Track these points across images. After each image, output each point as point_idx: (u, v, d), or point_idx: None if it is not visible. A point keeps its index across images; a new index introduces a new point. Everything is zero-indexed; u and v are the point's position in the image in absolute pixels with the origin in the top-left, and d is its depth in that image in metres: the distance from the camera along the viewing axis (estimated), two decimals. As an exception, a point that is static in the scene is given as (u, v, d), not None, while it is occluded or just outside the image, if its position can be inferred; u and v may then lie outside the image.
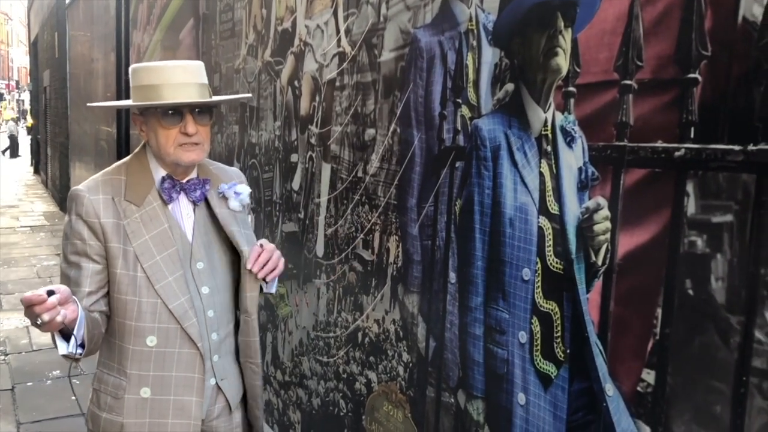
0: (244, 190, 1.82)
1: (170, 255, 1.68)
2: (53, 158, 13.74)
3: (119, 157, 5.43)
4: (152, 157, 1.74)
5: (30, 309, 1.37)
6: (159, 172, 1.73)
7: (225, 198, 1.80)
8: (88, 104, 1.79)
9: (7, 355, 4.70)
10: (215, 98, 1.77)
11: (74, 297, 1.51)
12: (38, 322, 1.38)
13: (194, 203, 1.76)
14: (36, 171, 18.09)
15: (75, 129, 10.46)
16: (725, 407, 1.29)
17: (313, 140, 2.88)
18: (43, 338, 5.00)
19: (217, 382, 1.80)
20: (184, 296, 1.69)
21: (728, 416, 1.28)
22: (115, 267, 1.65)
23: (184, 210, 1.75)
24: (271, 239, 3.29)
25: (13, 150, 22.67)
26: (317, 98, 2.83)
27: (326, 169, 2.78)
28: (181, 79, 1.66)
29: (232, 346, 1.85)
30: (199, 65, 1.74)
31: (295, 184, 3.07)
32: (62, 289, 1.45)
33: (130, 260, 1.65)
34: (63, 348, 1.50)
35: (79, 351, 1.53)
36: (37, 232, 9.70)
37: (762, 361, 1.22)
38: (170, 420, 1.71)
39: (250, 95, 1.79)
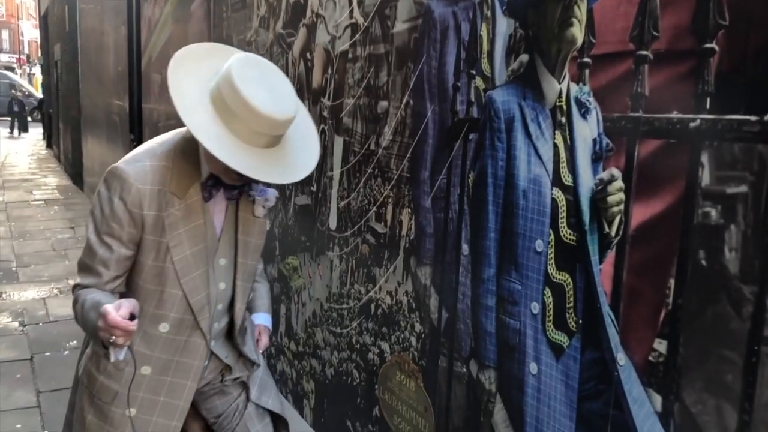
0: (272, 197, 1.78)
1: (200, 250, 1.68)
2: (65, 132, 13.79)
3: (132, 132, 5.44)
4: (203, 153, 1.66)
5: (111, 329, 1.44)
6: (206, 169, 1.67)
7: (253, 202, 1.77)
8: (174, 100, 1.51)
9: (25, 326, 4.78)
10: (290, 179, 1.62)
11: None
12: (111, 340, 1.46)
13: (228, 200, 1.74)
14: (48, 145, 18.18)
15: (87, 103, 10.48)
16: (737, 377, 1.30)
17: (325, 113, 2.88)
18: (60, 310, 5.08)
19: (215, 357, 1.85)
20: (205, 291, 1.71)
21: (739, 385, 1.30)
22: (146, 258, 1.65)
23: (218, 206, 1.73)
24: (284, 212, 3.31)
25: (22, 124, 22.70)
26: (329, 70, 2.82)
27: (339, 142, 2.79)
28: (264, 131, 1.51)
29: (226, 330, 1.88)
30: (293, 111, 1.56)
31: (308, 156, 3.07)
32: (136, 309, 1.51)
33: (162, 252, 1.64)
34: (114, 357, 1.54)
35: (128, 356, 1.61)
36: (51, 206, 9.78)
37: (774, 331, 1.23)
38: (162, 398, 1.74)
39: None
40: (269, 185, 1.78)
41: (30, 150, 17.90)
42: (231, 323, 1.86)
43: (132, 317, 1.47)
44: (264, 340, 1.98)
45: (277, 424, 2.00)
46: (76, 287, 1.68)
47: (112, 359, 1.54)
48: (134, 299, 1.54)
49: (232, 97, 1.48)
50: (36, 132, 22.43)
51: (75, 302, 1.66)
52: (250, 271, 1.83)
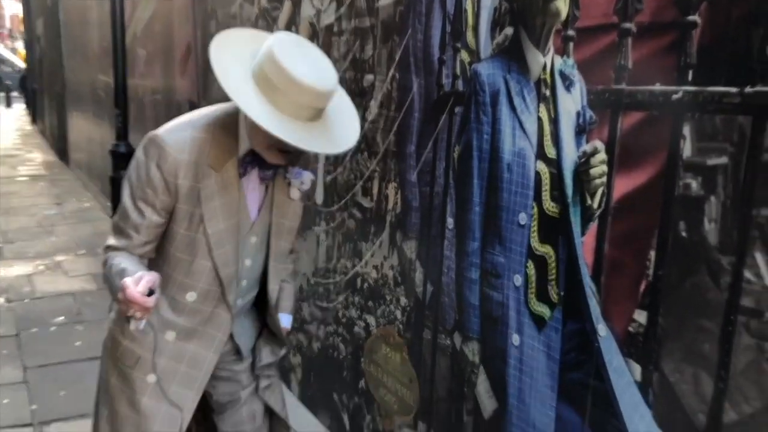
0: (308, 179, 1.80)
1: (233, 225, 1.70)
2: (50, 108, 13.63)
3: (117, 107, 5.38)
4: (243, 126, 1.67)
5: (129, 303, 1.47)
6: (245, 144, 1.67)
7: (289, 184, 1.79)
8: (221, 82, 1.50)
9: (11, 302, 4.76)
10: (334, 150, 1.63)
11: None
12: (129, 314, 1.49)
13: (262, 179, 1.75)
14: (33, 121, 17.97)
15: (71, 78, 10.34)
16: (713, 346, 1.32)
17: (311, 87, 2.86)
18: (46, 286, 5.06)
19: (231, 336, 1.87)
20: (235, 266, 1.73)
21: (716, 354, 1.32)
22: (179, 227, 1.67)
23: (251, 184, 1.74)
24: (271, 187, 3.30)
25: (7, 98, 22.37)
26: (315, 44, 2.80)
27: (325, 116, 2.77)
28: (307, 103, 1.53)
29: (248, 307, 1.91)
30: (334, 84, 1.57)
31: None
32: (157, 283, 1.52)
33: (195, 222, 1.66)
34: (134, 326, 1.58)
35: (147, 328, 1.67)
36: (36, 182, 9.70)
37: (750, 300, 1.25)
38: (183, 367, 1.77)
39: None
40: (305, 168, 1.81)
41: (14, 125, 17.69)
42: (255, 303, 1.90)
43: (151, 292, 1.49)
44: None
45: (278, 426, 2.02)
46: (108, 248, 1.70)
47: (132, 328, 1.59)
48: (156, 273, 1.55)
49: (276, 72, 1.50)
50: (19, 107, 22.15)
51: (104, 263, 1.68)
52: (283, 253, 1.86)
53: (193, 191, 1.64)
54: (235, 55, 1.58)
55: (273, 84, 1.51)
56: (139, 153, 1.65)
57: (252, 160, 1.69)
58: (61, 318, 4.38)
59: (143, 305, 1.47)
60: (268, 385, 1.97)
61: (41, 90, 15.56)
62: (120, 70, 5.12)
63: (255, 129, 1.57)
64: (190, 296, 1.72)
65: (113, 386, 1.79)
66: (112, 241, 1.71)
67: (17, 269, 5.49)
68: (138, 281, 1.48)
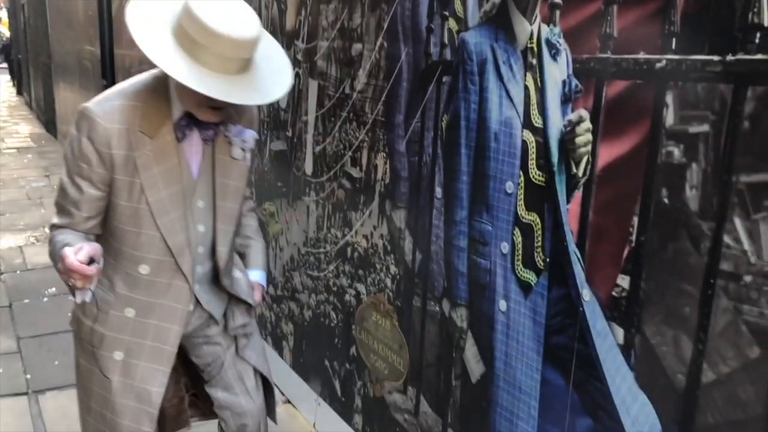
0: (250, 138, 1.77)
1: (176, 192, 1.68)
2: (36, 79, 13.45)
3: (104, 77, 5.34)
4: (173, 90, 1.65)
5: (68, 272, 1.46)
6: (178, 109, 1.66)
7: (230, 143, 1.75)
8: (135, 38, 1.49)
9: (2, 274, 4.77)
10: (264, 99, 1.63)
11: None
12: (70, 284, 1.50)
13: (205, 141, 1.72)
14: (19, 92, 17.74)
15: (57, 49, 10.20)
16: (693, 309, 1.36)
17: (299, 56, 2.86)
18: (37, 258, 5.06)
19: (200, 303, 1.85)
20: (184, 233, 1.71)
21: (696, 317, 1.36)
22: (118, 198, 1.65)
23: (194, 147, 1.72)
24: (260, 158, 3.31)
25: None
26: (303, 12, 2.78)
27: (313, 86, 2.77)
28: (231, 55, 1.50)
29: (211, 274, 1.87)
30: (256, 32, 1.54)
31: (282, 101, 3.06)
32: (98, 253, 1.51)
33: (135, 192, 1.64)
34: (80, 298, 1.57)
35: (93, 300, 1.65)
36: (24, 154, 9.63)
37: (729, 264, 1.29)
38: (149, 342, 1.76)
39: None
40: (247, 127, 1.78)
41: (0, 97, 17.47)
42: (216, 267, 1.85)
43: (91, 261, 1.48)
44: (257, 296, 2.00)
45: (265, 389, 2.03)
46: (53, 227, 1.70)
47: (78, 301, 1.57)
48: (97, 244, 1.55)
49: (194, 27, 1.48)
50: (3, 78, 21.83)
51: (49, 241, 1.68)
52: (231, 215, 1.82)
53: (129, 161, 1.61)
54: (154, 16, 1.55)
55: (194, 40, 1.49)
56: (72, 129, 1.63)
57: (189, 122, 1.66)
58: (53, 289, 4.40)
59: (83, 273, 1.45)
60: (247, 343, 1.97)
61: (26, 60, 15.34)
62: (106, 40, 5.09)
63: (182, 89, 1.54)
64: (143, 269, 1.70)
65: (83, 366, 1.80)
66: (55, 219, 1.69)
67: (8, 241, 5.48)
68: (78, 251, 1.47)
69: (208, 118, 1.64)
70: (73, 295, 1.58)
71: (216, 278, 1.86)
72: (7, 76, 20.98)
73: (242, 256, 2.00)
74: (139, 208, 1.65)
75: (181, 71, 1.47)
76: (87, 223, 1.67)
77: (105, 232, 1.72)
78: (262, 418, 1.98)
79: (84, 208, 1.65)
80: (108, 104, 1.62)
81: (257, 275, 2.00)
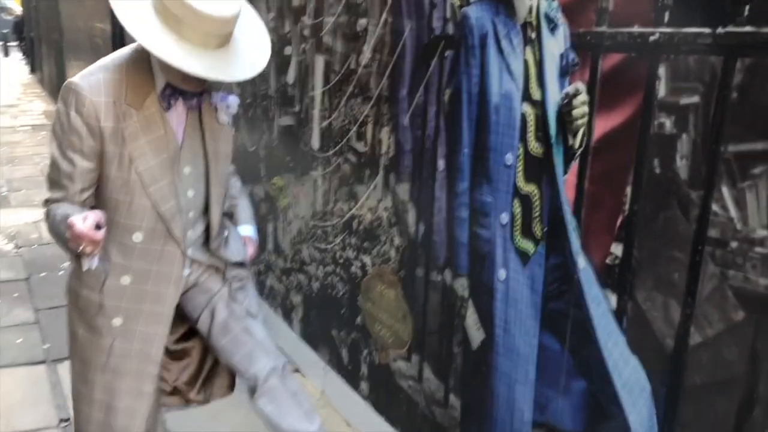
0: (234, 102, 1.83)
1: (164, 160, 1.73)
2: (48, 57, 13.52)
3: (115, 54, 5.38)
4: (156, 64, 1.70)
5: (78, 239, 1.51)
6: (161, 80, 1.71)
7: (216, 109, 1.81)
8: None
9: (19, 248, 4.87)
10: (242, 76, 1.67)
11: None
12: (79, 250, 1.54)
13: (189, 109, 1.78)
14: (32, 70, 17.83)
15: (68, 26, 10.24)
16: (682, 275, 1.41)
17: (306, 32, 2.89)
18: (52, 233, 5.15)
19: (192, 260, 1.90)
20: (174, 200, 1.76)
21: (684, 283, 1.41)
22: (109, 170, 1.70)
23: (179, 116, 1.77)
24: (268, 134, 3.36)
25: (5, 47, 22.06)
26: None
27: (319, 62, 2.81)
28: (211, 31, 1.57)
29: (204, 239, 1.92)
30: (236, 9, 1.61)
31: (290, 77, 3.10)
32: (102, 219, 1.56)
33: (125, 162, 1.69)
34: (86, 265, 1.62)
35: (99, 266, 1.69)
36: (38, 131, 9.72)
37: (716, 231, 1.33)
38: (147, 306, 1.82)
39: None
40: (230, 92, 1.84)
41: (13, 75, 17.57)
42: (208, 231, 1.90)
43: (98, 227, 1.54)
44: (250, 250, 2.06)
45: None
46: (47, 202, 1.75)
47: (85, 268, 1.62)
48: (100, 211, 1.60)
49: (176, 4, 1.55)
50: (16, 56, 21.92)
51: (46, 216, 1.73)
52: (223, 178, 1.89)
53: (117, 132, 1.66)
54: None
55: (175, 16, 1.55)
56: (59, 104, 1.68)
57: (173, 92, 1.71)
58: (68, 263, 4.49)
59: (92, 238, 1.50)
60: (240, 287, 2.00)
61: (38, 38, 15.40)
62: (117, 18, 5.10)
63: (164, 63, 1.59)
64: (137, 237, 1.75)
65: (81, 337, 1.84)
66: (48, 194, 1.74)
67: (24, 216, 5.58)
68: (84, 218, 1.52)
69: (192, 87, 1.71)
70: (78, 263, 1.63)
71: (208, 241, 1.91)
72: (20, 54, 21.04)
73: (230, 217, 2.06)
74: (130, 177, 1.70)
75: (160, 48, 1.54)
76: (81, 195, 1.71)
77: (98, 204, 1.76)
78: (269, 345, 1.98)
79: (77, 180, 1.69)
80: (93, 78, 1.67)
81: (248, 230, 2.06)
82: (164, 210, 1.74)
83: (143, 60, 1.71)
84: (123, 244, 1.76)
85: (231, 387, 2.11)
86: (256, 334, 1.95)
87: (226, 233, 1.96)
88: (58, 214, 1.66)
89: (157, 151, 1.71)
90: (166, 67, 1.64)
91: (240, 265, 2.01)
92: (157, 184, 1.72)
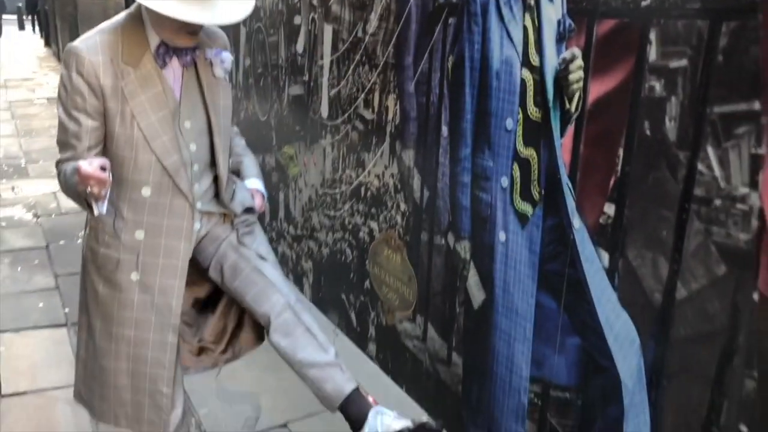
0: (227, 58, 1.92)
1: (164, 115, 1.82)
2: (63, 30, 13.60)
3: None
4: (148, 23, 1.79)
5: (87, 180, 1.59)
6: (154, 39, 1.80)
7: (211, 64, 1.90)
8: None
9: (38, 217, 5.01)
10: (231, 19, 1.75)
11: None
12: (88, 191, 1.62)
13: (184, 66, 1.86)
14: (47, 43, 17.93)
15: (82, -1, 10.30)
16: (670, 232, 1.47)
17: (314, 1, 2.94)
18: (70, 203, 5.25)
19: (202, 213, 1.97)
20: (177, 154, 1.84)
21: (672, 240, 1.47)
22: (112, 126, 1.79)
23: (175, 73, 1.85)
24: (279, 103, 3.43)
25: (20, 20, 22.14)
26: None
27: (328, 30, 2.86)
28: None
29: (212, 193, 2.00)
30: None
31: (299, 46, 3.15)
32: (107, 164, 1.65)
33: (127, 119, 1.78)
34: (97, 211, 1.70)
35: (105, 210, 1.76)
36: (53, 104, 9.81)
37: (701, 190, 1.39)
38: (161, 260, 1.91)
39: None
40: (224, 49, 1.93)
41: (28, 48, 17.69)
42: (215, 185, 1.97)
43: (103, 169, 1.62)
44: (258, 202, 2.12)
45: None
46: (59, 163, 1.84)
47: (96, 213, 1.70)
48: (105, 158, 1.69)
49: None
50: (30, 29, 22.01)
51: (59, 175, 1.83)
52: (225, 130, 1.97)
53: (117, 90, 1.75)
54: None
55: None
56: (62, 68, 1.78)
57: (167, 50, 1.80)
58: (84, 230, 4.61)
59: (98, 177, 1.58)
60: (248, 231, 2.06)
61: (53, 11, 15.46)
62: (130, -11, 5.16)
63: (157, 20, 1.70)
64: (145, 191, 1.84)
65: (102, 294, 1.92)
66: (60, 156, 1.84)
67: (42, 187, 5.72)
68: (90, 163, 1.60)
69: (184, 43, 1.79)
70: (91, 211, 1.71)
71: (217, 195, 1.99)
72: (34, 27, 21.12)
73: (237, 173, 2.13)
74: (133, 133, 1.79)
75: (160, 3, 1.64)
76: (89, 153, 1.79)
77: None
78: (281, 282, 2.01)
79: (84, 138, 1.78)
80: (91, 40, 1.78)
81: (255, 183, 2.13)
82: (168, 163, 1.82)
83: (137, 22, 1.81)
84: (133, 200, 1.85)
85: (260, 338, 2.15)
86: (268, 273, 1.98)
87: (233, 187, 2.04)
88: (68, 169, 1.76)
89: (157, 107, 1.80)
90: (158, 25, 1.75)
91: (248, 210, 2.07)
92: (160, 138, 1.80)
